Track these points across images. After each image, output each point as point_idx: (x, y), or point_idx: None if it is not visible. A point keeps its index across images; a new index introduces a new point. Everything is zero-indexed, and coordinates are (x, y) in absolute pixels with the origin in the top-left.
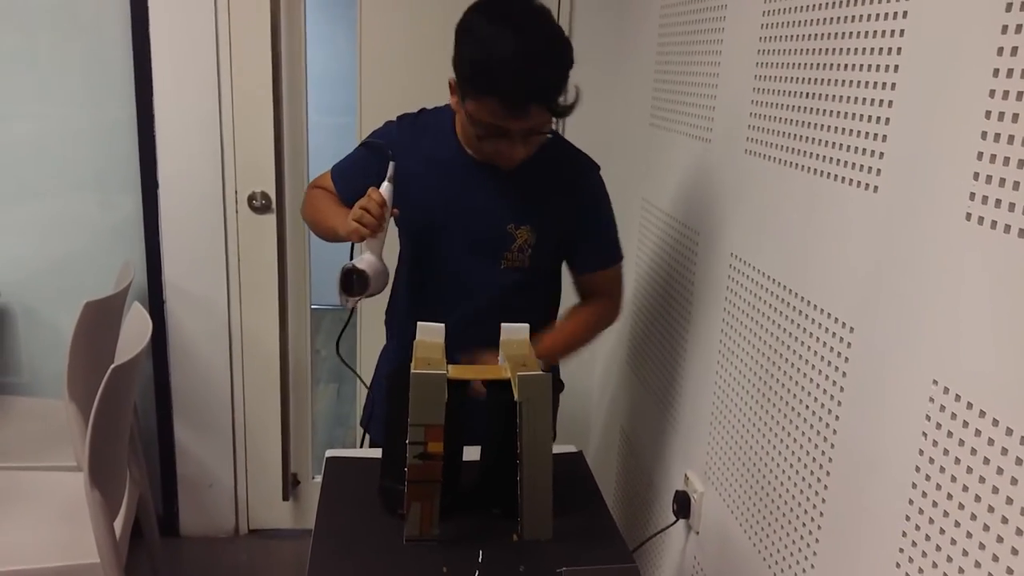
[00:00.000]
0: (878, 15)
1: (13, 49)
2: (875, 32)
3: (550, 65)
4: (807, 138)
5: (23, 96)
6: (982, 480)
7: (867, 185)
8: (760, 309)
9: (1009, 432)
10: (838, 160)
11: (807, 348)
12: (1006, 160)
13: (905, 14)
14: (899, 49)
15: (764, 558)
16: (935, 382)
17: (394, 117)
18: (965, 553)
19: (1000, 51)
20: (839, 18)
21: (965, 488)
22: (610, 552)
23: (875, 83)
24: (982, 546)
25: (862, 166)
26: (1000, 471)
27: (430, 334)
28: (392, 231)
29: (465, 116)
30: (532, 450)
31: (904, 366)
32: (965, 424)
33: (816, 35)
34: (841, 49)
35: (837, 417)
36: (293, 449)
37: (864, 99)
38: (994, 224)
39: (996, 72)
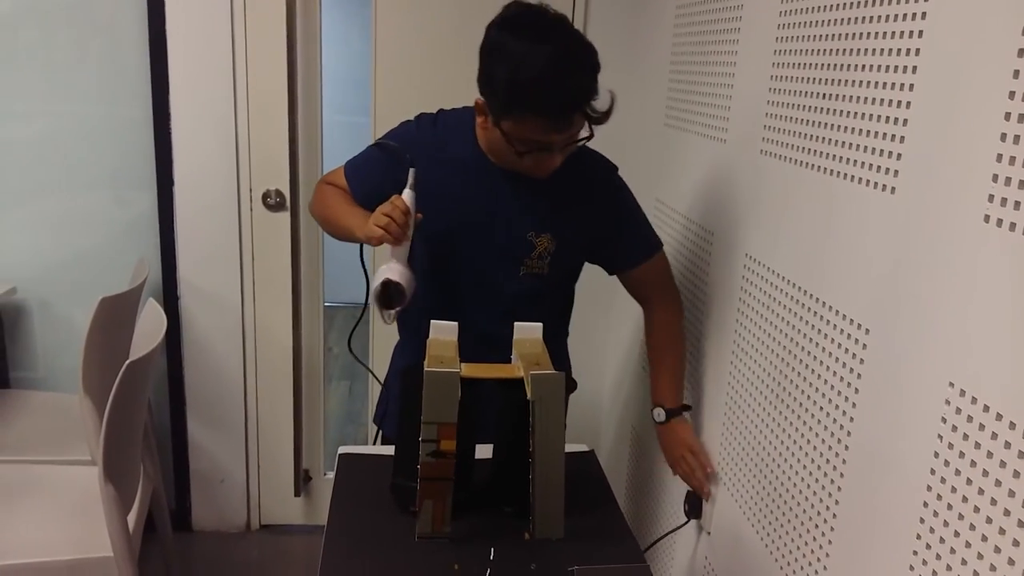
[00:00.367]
0: (896, 16)
1: (30, 47)
2: (893, 33)
3: (583, 71)
4: (824, 139)
5: (40, 93)
6: (998, 483)
7: (884, 186)
8: (774, 310)
9: None
10: (855, 161)
11: (822, 349)
12: None
13: (924, 15)
14: (917, 50)
15: (776, 559)
16: (951, 384)
17: (410, 116)
18: (980, 556)
19: (1020, 52)
20: (857, 18)
21: (980, 491)
22: (621, 551)
23: (893, 84)
24: (997, 549)
25: (879, 167)
26: (1016, 474)
27: (443, 332)
28: None
29: (501, 135)
30: (544, 449)
31: (920, 368)
32: (981, 427)
33: (833, 35)
34: (859, 49)
35: (851, 419)
36: (305, 445)
37: (882, 100)
38: (1013, 226)
39: (1016, 74)
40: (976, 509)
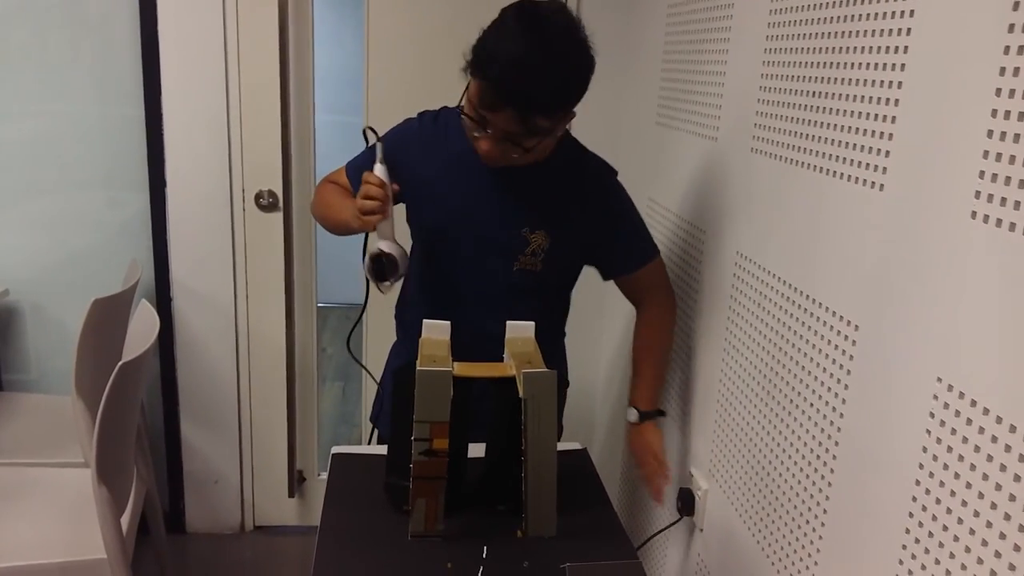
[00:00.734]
0: (884, 14)
1: (22, 47)
2: (881, 31)
3: (541, 80)
4: (813, 136)
5: (32, 94)
6: (985, 477)
7: (873, 183)
8: (765, 307)
9: (1013, 429)
10: (844, 159)
11: (812, 346)
12: (1012, 159)
13: (912, 13)
14: (905, 48)
15: (768, 555)
16: (939, 379)
17: (402, 116)
18: (968, 550)
19: (1007, 50)
20: (846, 17)
21: (969, 485)
22: (614, 548)
23: (881, 82)
24: (985, 543)
25: (868, 164)
26: (1003, 468)
27: (436, 331)
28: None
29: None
30: (537, 447)
31: (908, 364)
32: (969, 421)
33: (822, 34)
34: (848, 48)
35: (841, 415)
36: (299, 446)
37: (870, 97)
38: (999, 222)
39: (1002, 71)
40: (964, 503)
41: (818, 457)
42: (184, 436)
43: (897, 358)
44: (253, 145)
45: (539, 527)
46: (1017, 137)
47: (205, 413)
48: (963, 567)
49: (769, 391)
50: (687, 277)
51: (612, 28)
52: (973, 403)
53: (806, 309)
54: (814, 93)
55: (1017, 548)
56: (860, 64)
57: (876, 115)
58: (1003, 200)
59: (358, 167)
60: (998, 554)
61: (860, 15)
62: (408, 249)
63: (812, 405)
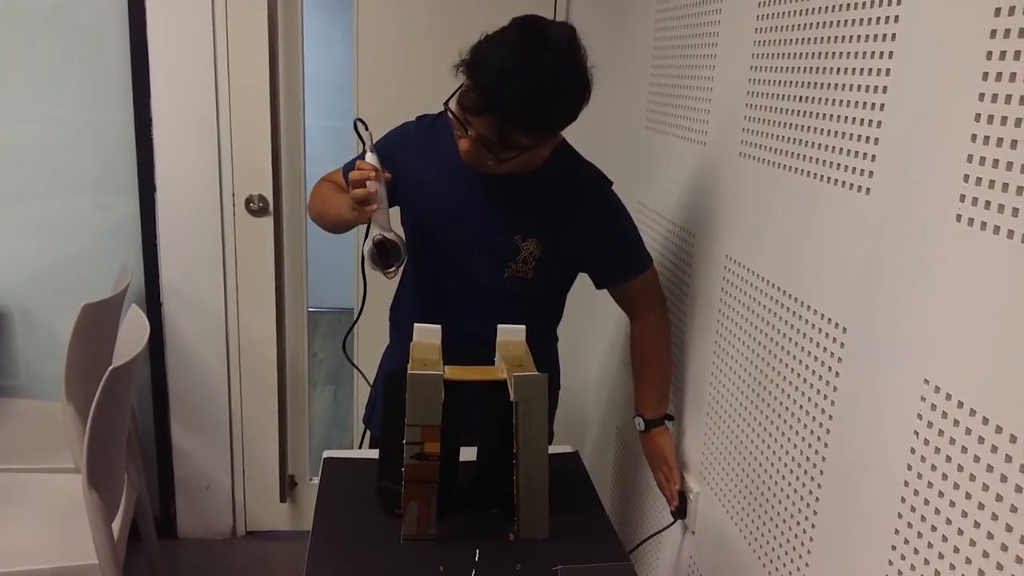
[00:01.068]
0: (870, 19)
1: (11, 51)
2: (867, 36)
3: (525, 95)
4: (800, 141)
5: (21, 98)
6: (973, 478)
7: (859, 187)
8: (754, 310)
9: (999, 430)
10: (831, 163)
11: (801, 348)
12: (995, 162)
13: (896, 19)
14: (890, 53)
15: (759, 557)
16: (926, 381)
17: (393, 121)
18: (956, 550)
19: (989, 55)
20: (832, 22)
21: (956, 486)
22: (606, 551)
23: (867, 86)
24: (973, 543)
25: (854, 168)
26: (990, 469)
27: (427, 335)
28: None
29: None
30: (528, 450)
31: (896, 366)
32: (956, 423)
33: (809, 39)
34: (834, 53)
35: (830, 417)
36: (290, 451)
37: (856, 102)
38: (984, 225)
39: (985, 76)
40: (952, 504)
41: (808, 459)
42: (175, 441)
43: (884, 360)
44: (243, 149)
45: (531, 530)
46: (1000, 141)
47: (196, 418)
48: (952, 567)
49: (759, 394)
50: (677, 281)
51: (601, 33)
52: (960, 404)
53: (794, 312)
54: (801, 98)
55: (1005, 548)
56: (846, 69)
57: (862, 119)
58: (987, 203)
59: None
60: (986, 554)
61: (846, 21)
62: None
63: (801, 407)
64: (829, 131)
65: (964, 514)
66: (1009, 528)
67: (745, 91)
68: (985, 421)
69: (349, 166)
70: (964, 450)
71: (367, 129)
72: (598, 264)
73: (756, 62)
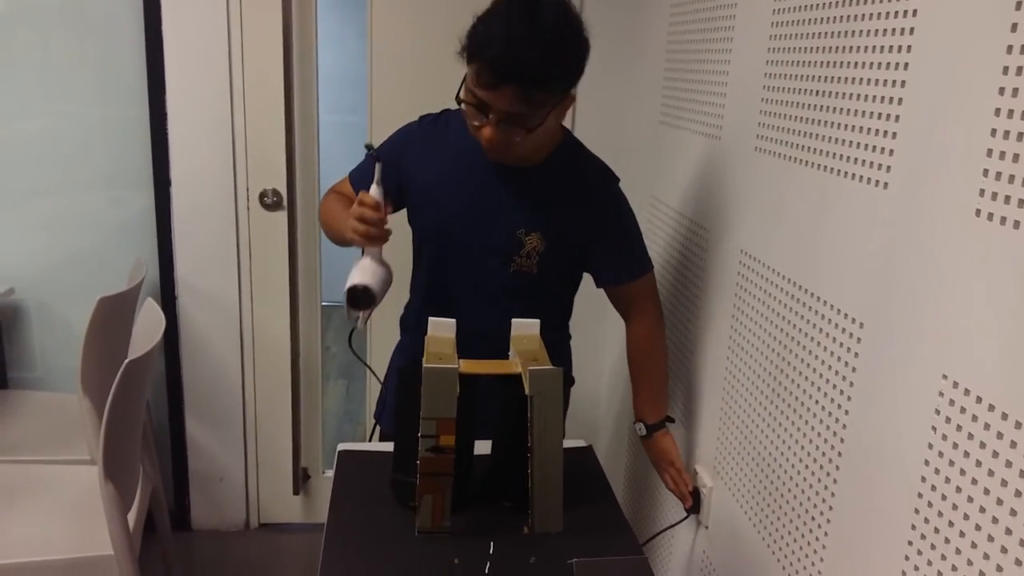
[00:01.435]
0: (888, 13)
1: (26, 48)
2: (886, 30)
3: (536, 52)
4: (818, 135)
5: (36, 95)
6: (991, 473)
7: (877, 182)
8: (770, 305)
9: (1018, 425)
10: (848, 157)
11: (817, 343)
12: (1015, 157)
13: (915, 12)
14: (909, 47)
15: (773, 552)
16: (944, 376)
17: (406, 116)
18: (974, 545)
19: (1009, 49)
20: (849, 16)
21: (974, 481)
22: (620, 544)
23: (886, 80)
24: (991, 538)
25: (872, 163)
26: (1009, 464)
27: (442, 329)
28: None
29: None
30: (543, 443)
31: (913, 361)
32: (974, 418)
33: (826, 33)
34: (852, 47)
35: (847, 412)
36: (304, 444)
37: (875, 96)
38: (1003, 220)
39: (1006, 70)
40: (970, 499)
41: (823, 454)
42: (189, 434)
43: (903, 356)
44: (257, 144)
45: (545, 523)
46: (1021, 136)
47: (210, 411)
48: (969, 563)
49: (774, 389)
50: (691, 276)
51: (615, 26)
52: (979, 400)
53: (811, 307)
54: (818, 92)
55: (1023, 543)
56: (864, 63)
57: (880, 114)
58: (1007, 198)
59: (362, 176)
60: (1004, 550)
61: (864, 15)
62: (392, 268)
63: (817, 403)
64: (847, 125)
65: (982, 509)
66: None
67: (761, 85)
68: (1004, 416)
69: (355, 174)
70: (982, 445)
71: (378, 160)
72: (600, 261)
73: (772, 56)
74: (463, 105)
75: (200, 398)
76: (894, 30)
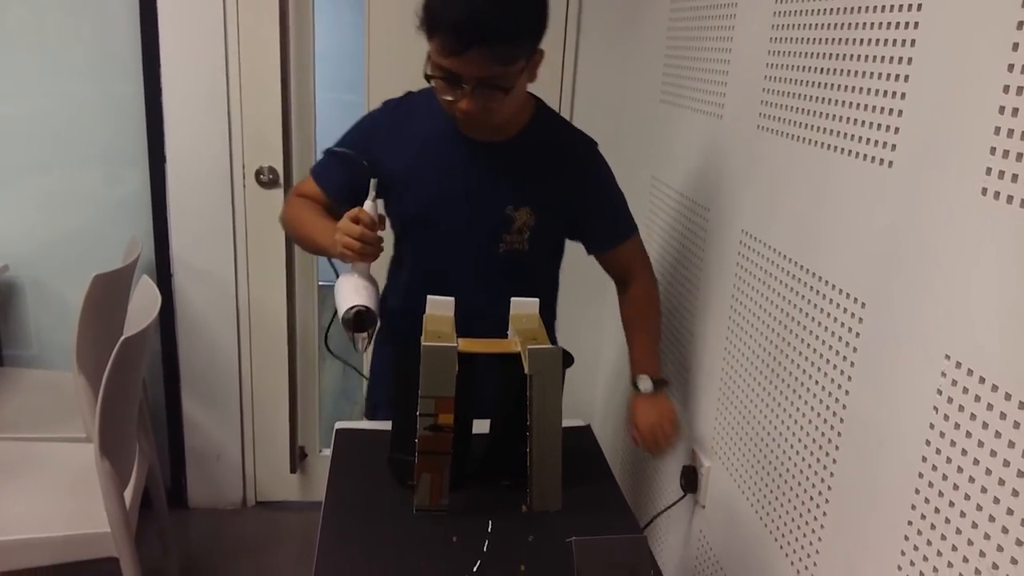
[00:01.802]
0: None
1: (20, 25)
2: (891, 6)
3: (497, 7)
4: (821, 113)
5: (31, 71)
6: (993, 454)
7: (882, 160)
8: (771, 285)
9: (1021, 406)
10: (853, 135)
11: (817, 324)
12: None
13: None
14: (916, 24)
15: (771, 531)
16: (947, 356)
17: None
18: (975, 526)
19: (1020, 25)
20: None
21: (976, 461)
22: (619, 523)
23: (892, 58)
24: (992, 519)
25: (877, 141)
26: (1012, 445)
27: (440, 308)
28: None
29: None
30: (542, 422)
31: (916, 341)
32: (977, 398)
33: (831, 9)
34: (857, 24)
35: (847, 392)
36: (301, 422)
37: (880, 74)
38: (1011, 199)
39: (1015, 46)
40: (971, 479)
41: (823, 434)
42: (186, 412)
43: (905, 336)
44: (253, 121)
45: (544, 502)
46: None
47: (206, 389)
48: (970, 543)
49: (774, 369)
50: (691, 256)
51: (615, 5)
52: (982, 380)
53: (812, 287)
54: (823, 69)
55: None
56: (870, 40)
57: (886, 91)
58: (1014, 176)
59: (329, 175)
60: (1005, 530)
61: None
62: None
63: (817, 383)
64: (852, 103)
65: (984, 490)
66: None
67: (764, 62)
68: (1008, 397)
69: (321, 174)
70: (985, 425)
71: (375, 175)
72: (591, 228)
73: (776, 33)
74: (432, 81)
75: (196, 376)
76: (901, 6)
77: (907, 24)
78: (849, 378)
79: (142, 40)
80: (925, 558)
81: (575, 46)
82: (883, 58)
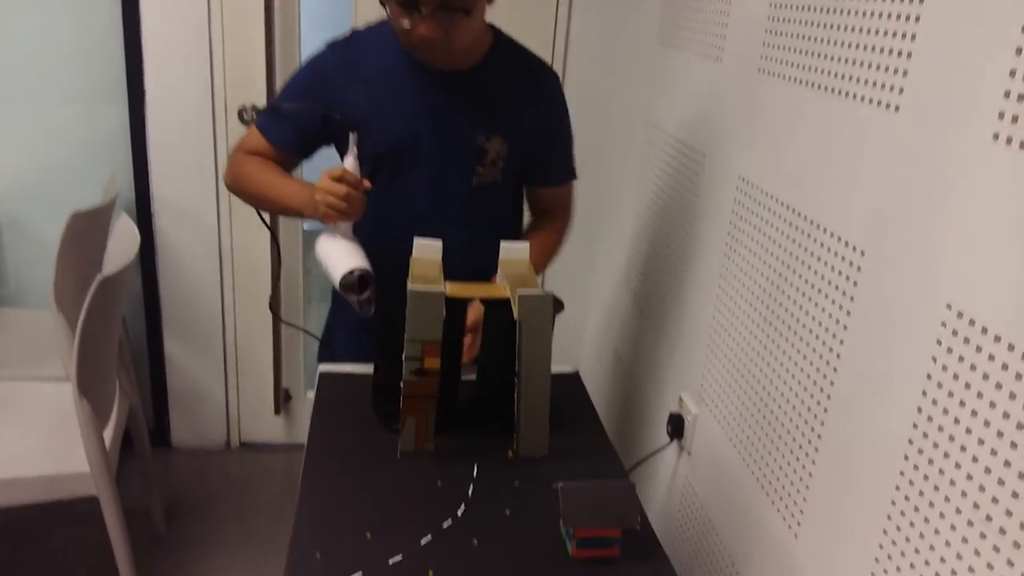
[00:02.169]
0: None
1: None
2: None
3: None
4: (826, 55)
5: (6, 6)
6: (993, 405)
7: (888, 104)
8: (767, 233)
9: None
10: (859, 78)
11: (814, 272)
12: None
13: None
14: None
15: (758, 479)
16: (949, 306)
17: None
18: (970, 477)
19: None
20: None
21: (975, 413)
22: (605, 468)
23: None
24: (988, 470)
25: (884, 84)
26: (1013, 396)
27: (427, 251)
28: None
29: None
30: (531, 369)
31: (916, 290)
32: (978, 349)
33: None
34: None
35: (842, 341)
36: (285, 364)
37: (889, 13)
38: (1023, 144)
39: None
40: (968, 431)
41: (815, 383)
42: (168, 352)
43: (905, 285)
44: (236, 58)
45: (531, 447)
46: None
47: (189, 331)
48: (964, 494)
49: (766, 317)
50: (684, 202)
51: None
52: (984, 330)
53: (809, 235)
54: (828, 9)
55: (1022, 476)
56: None
57: (894, 32)
58: None
59: (278, 128)
60: (1001, 482)
61: None
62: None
63: (811, 332)
64: (858, 44)
65: (980, 441)
66: None
67: (767, 2)
68: (1011, 347)
69: (270, 127)
70: (985, 376)
71: (354, 130)
72: (543, 161)
73: None
74: (388, 8)
75: (178, 317)
76: None
77: None
78: (845, 327)
79: None
80: (916, 508)
81: None
82: None
